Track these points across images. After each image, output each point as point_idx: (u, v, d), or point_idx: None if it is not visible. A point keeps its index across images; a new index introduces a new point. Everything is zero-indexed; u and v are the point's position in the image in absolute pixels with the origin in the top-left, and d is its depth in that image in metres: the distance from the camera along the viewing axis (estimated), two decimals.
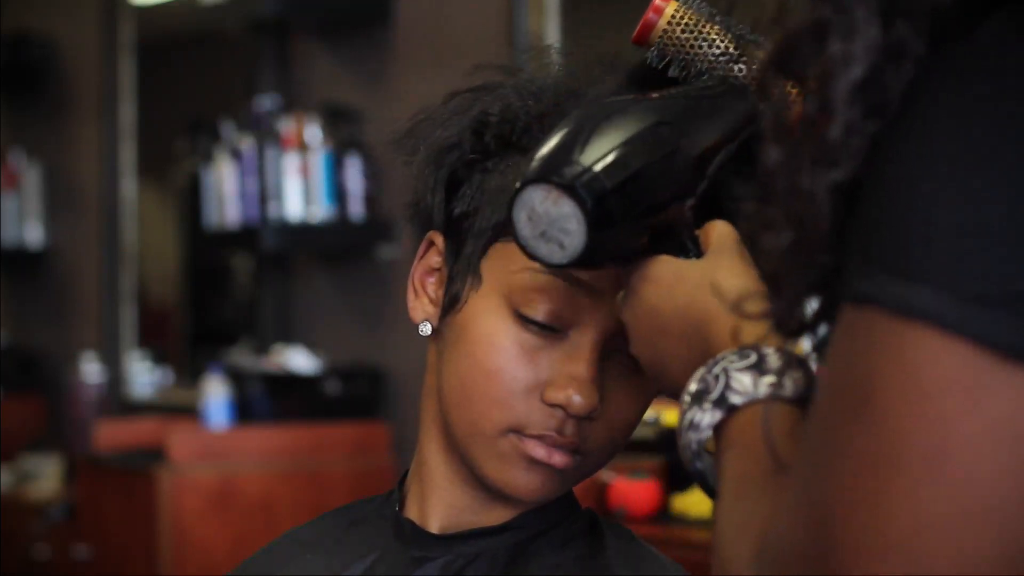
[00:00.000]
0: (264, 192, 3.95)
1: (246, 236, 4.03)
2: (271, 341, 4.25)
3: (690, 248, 0.93)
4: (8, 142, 5.49)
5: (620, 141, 0.90)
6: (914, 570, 0.64)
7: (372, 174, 3.93)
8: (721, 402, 0.82)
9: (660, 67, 1.02)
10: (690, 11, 1.02)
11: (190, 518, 3.56)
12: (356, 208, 3.93)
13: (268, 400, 3.91)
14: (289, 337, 4.25)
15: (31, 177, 5.35)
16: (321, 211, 3.93)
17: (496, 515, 1.10)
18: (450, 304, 1.09)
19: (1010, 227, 0.64)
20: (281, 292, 4.36)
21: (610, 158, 0.89)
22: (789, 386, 0.82)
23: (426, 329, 1.11)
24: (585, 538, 1.11)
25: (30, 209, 5.35)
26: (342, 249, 4.07)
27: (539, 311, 1.04)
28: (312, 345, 4.13)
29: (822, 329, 0.76)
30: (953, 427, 0.64)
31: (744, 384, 0.82)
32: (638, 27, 1.02)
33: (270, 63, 4.34)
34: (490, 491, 1.08)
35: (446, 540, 1.10)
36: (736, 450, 0.81)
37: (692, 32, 1.02)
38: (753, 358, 0.83)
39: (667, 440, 2.74)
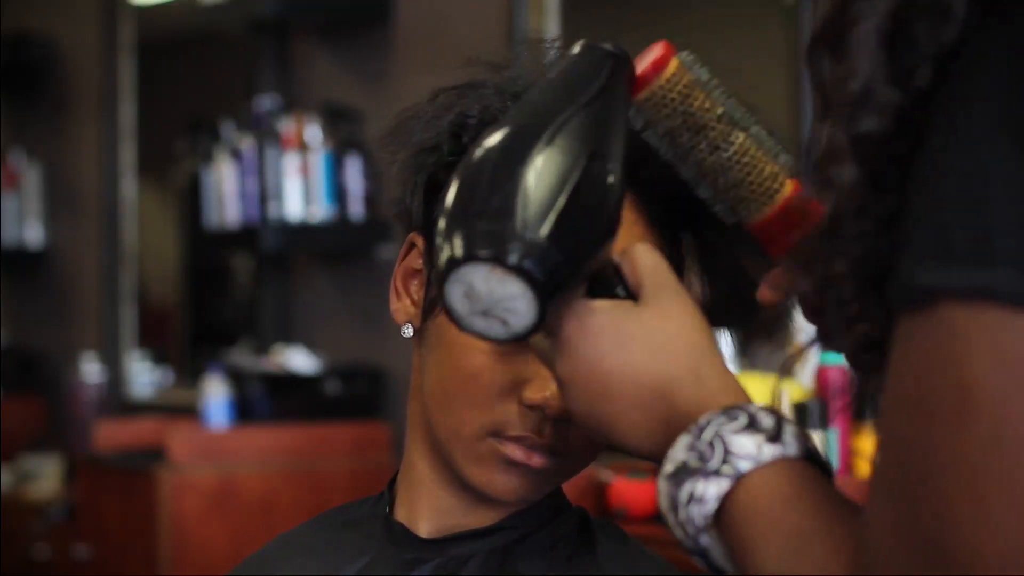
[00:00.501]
0: (264, 192, 3.95)
1: (246, 236, 4.03)
2: (271, 341, 4.25)
3: (617, 286, 0.85)
4: (8, 142, 5.48)
5: (560, 197, 0.79)
6: None
7: (372, 174, 3.93)
8: (725, 470, 0.77)
9: (640, 131, 0.92)
10: (687, 73, 0.92)
11: (190, 518, 3.56)
12: (356, 208, 3.93)
13: (268, 400, 3.91)
14: (289, 337, 4.25)
15: (31, 177, 5.35)
16: (321, 211, 3.93)
17: (484, 516, 1.10)
18: (430, 306, 1.09)
19: None
20: (281, 292, 4.36)
21: (555, 222, 0.78)
22: (792, 444, 0.78)
23: (408, 331, 1.11)
24: (575, 538, 1.10)
25: (30, 209, 5.35)
26: (342, 249, 4.07)
27: None
28: (312, 345, 4.13)
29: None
30: None
31: (745, 447, 0.77)
32: (639, 72, 0.91)
33: (270, 63, 4.34)
34: (477, 494, 1.08)
35: (436, 543, 1.10)
36: (763, 515, 0.76)
37: (683, 99, 0.92)
38: (744, 419, 0.78)
39: None
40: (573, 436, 1.05)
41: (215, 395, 3.90)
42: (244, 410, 3.91)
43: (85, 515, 4.01)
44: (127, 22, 5.02)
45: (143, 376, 4.92)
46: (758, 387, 1.24)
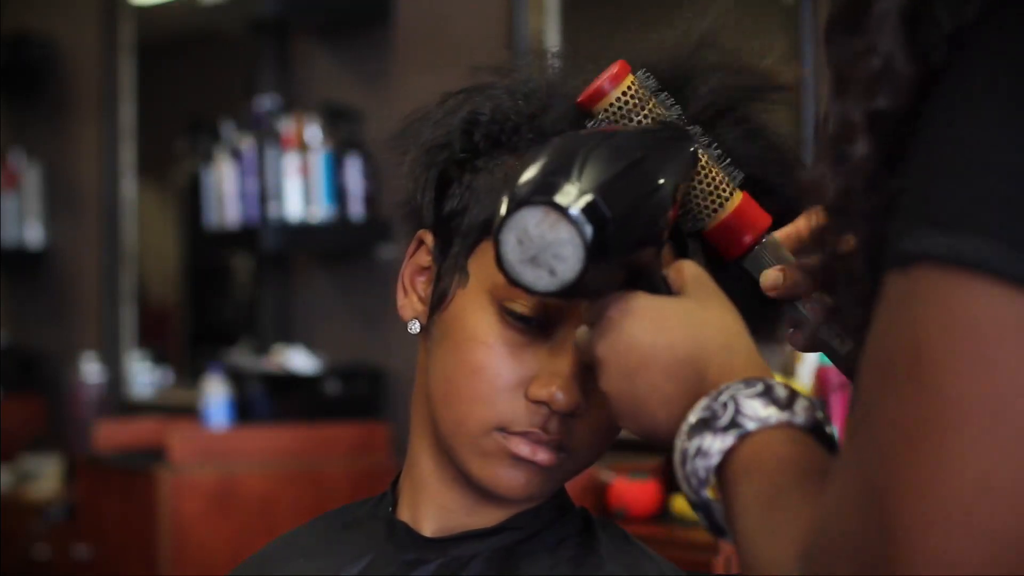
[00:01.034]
0: (264, 192, 3.95)
1: (246, 236, 4.03)
2: (271, 341, 4.25)
3: (661, 288, 0.91)
4: (8, 142, 5.48)
5: (617, 169, 0.87)
6: (979, 537, 0.61)
7: (372, 174, 3.93)
8: (732, 427, 0.81)
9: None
10: (641, 87, 1.03)
11: (190, 518, 3.56)
12: (356, 208, 3.93)
13: (268, 400, 3.91)
14: (289, 337, 4.25)
15: (31, 177, 5.35)
16: (321, 211, 3.93)
17: (488, 516, 1.10)
18: (437, 302, 1.09)
19: None
20: (281, 292, 4.36)
21: (609, 185, 0.86)
22: (800, 413, 0.81)
23: (414, 327, 1.12)
24: (578, 538, 1.11)
25: (30, 209, 5.35)
26: (342, 249, 4.07)
27: (524, 305, 1.04)
28: (312, 345, 4.13)
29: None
30: (1010, 378, 0.61)
31: (755, 409, 0.81)
32: (588, 91, 1.02)
33: (270, 63, 4.34)
34: (480, 491, 1.08)
35: (440, 543, 1.10)
36: (756, 472, 0.79)
37: (638, 107, 1.02)
38: (760, 387, 0.82)
39: None
40: (578, 433, 1.05)
41: (215, 395, 3.90)
42: (244, 410, 3.91)
43: (85, 515, 4.01)
44: (127, 22, 5.02)
45: (143, 376, 4.92)
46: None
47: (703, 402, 0.83)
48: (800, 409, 0.81)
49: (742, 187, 1.04)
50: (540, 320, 1.04)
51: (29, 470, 4.76)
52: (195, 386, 4.20)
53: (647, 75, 1.04)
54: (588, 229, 0.84)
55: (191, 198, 4.46)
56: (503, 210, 0.85)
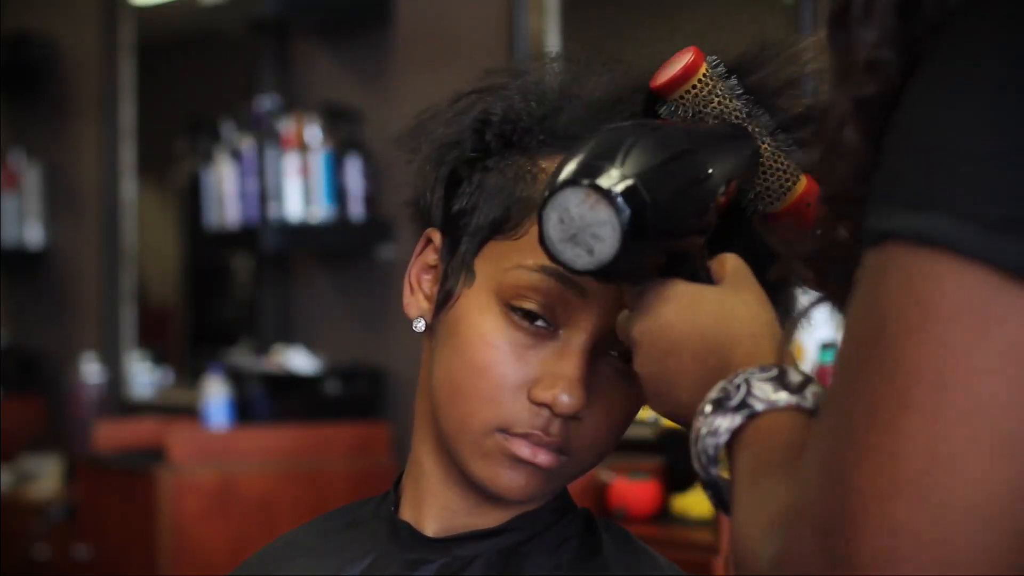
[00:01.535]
0: (264, 192, 3.95)
1: (246, 236, 4.03)
2: (271, 341, 4.25)
3: (702, 277, 0.94)
4: (8, 142, 5.49)
5: (661, 159, 0.90)
6: (931, 509, 0.63)
7: (372, 174, 3.93)
8: (741, 407, 0.83)
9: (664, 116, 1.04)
10: (714, 74, 1.04)
11: (190, 518, 3.56)
12: (356, 208, 3.93)
13: (268, 400, 3.91)
14: (289, 337, 4.25)
15: (31, 177, 5.35)
16: (321, 211, 3.93)
17: (491, 517, 1.10)
18: (443, 301, 1.09)
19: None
20: (281, 292, 4.36)
21: (651, 173, 0.88)
22: (810, 398, 0.83)
23: (420, 325, 1.12)
24: (581, 539, 1.10)
25: (30, 209, 5.35)
26: (342, 249, 4.07)
27: (532, 301, 1.04)
28: (312, 345, 4.13)
29: None
30: (961, 355, 0.63)
31: (765, 392, 0.83)
32: (668, 77, 1.02)
33: (270, 63, 4.34)
34: (482, 492, 1.08)
35: (442, 543, 1.10)
36: (753, 449, 0.82)
37: (711, 93, 1.03)
38: (774, 372, 0.84)
39: (667, 440, 2.74)
40: (580, 436, 1.05)
41: (215, 395, 3.90)
42: (244, 410, 3.91)
43: (85, 515, 4.01)
44: (127, 22, 5.02)
45: (143, 376, 4.92)
46: None
47: (720, 384, 0.85)
48: (811, 395, 0.83)
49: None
50: (546, 319, 1.04)
51: (29, 470, 4.76)
52: (195, 386, 4.20)
53: (717, 62, 1.05)
54: (626, 212, 0.86)
55: (191, 198, 4.46)
56: (548, 190, 0.89)
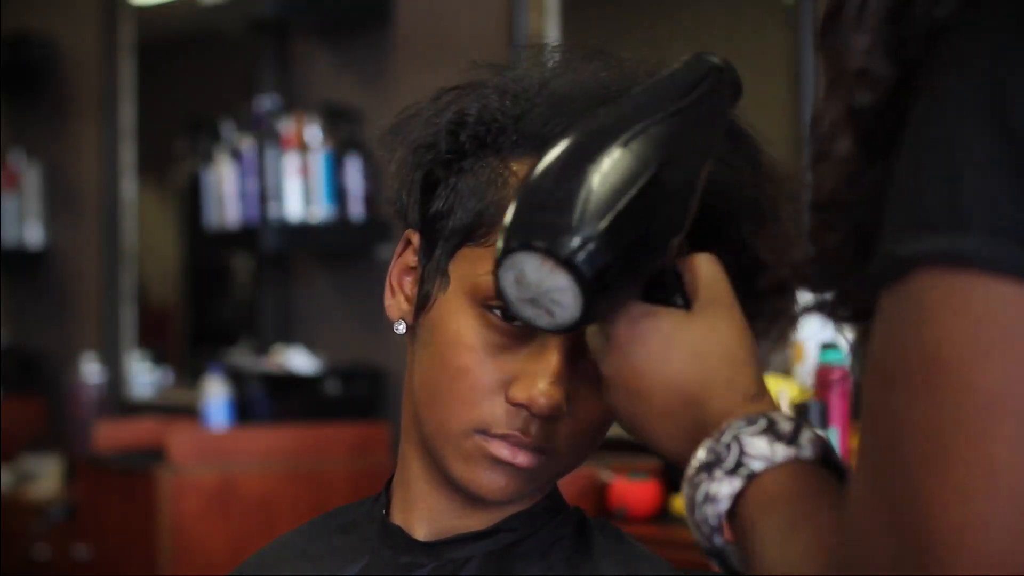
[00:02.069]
0: (264, 192, 3.95)
1: (246, 236, 4.03)
2: (271, 341, 4.25)
3: (677, 291, 0.88)
4: (8, 142, 5.48)
5: (626, 201, 0.82)
6: (1022, 537, 0.61)
7: (372, 174, 3.93)
8: (739, 469, 0.79)
9: None
10: None
11: (190, 518, 3.56)
12: (356, 208, 3.93)
13: (268, 400, 3.91)
14: (289, 337, 4.25)
15: (31, 177, 5.35)
16: (321, 211, 3.93)
17: (478, 518, 1.09)
18: (422, 303, 1.09)
19: None
20: (281, 292, 4.36)
21: (612, 222, 0.81)
22: (807, 446, 0.80)
23: (400, 328, 1.12)
24: (573, 539, 1.10)
25: (30, 209, 5.35)
26: (342, 249, 4.07)
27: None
28: (312, 345, 4.13)
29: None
30: (1018, 375, 0.61)
31: (760, 448, 0.79)
32: None
33: (270, 63, 4.34)
34: (467, 494, 1.08)
35: (433, 546, 1.09)
36: (771, 510, 0.77)
37: None
38: (763, 423, 0.81)
39: None
40: (561, 436, 1.04)
41: (215, 395, 3.90)
42: (244, 410, 3.91)
43: (85, 515, 4.01)
44: (127, 22, 5.02)
45: (143, 376, 4.92)
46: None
47: (707, 444, 0.81)
48: (806, 442, 0.80)
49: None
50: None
51: (29, 470, 4.76)
52: (195, 386, 4.20)
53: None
54: (588, 276, 0.81)
55: (191, 198, 4.46)
56: (500, 247, 0.83)
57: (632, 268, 0.84)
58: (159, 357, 4.95)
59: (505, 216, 0.84)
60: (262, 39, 4.34)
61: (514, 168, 1.05)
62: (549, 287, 0.82)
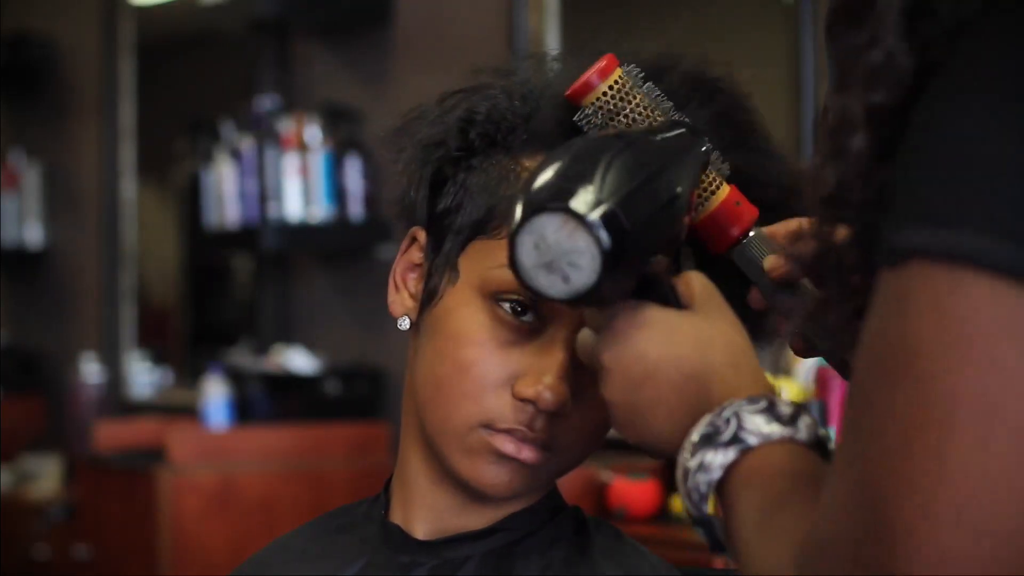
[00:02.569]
0: (264, 192, 3.95)
1: (246, 236, 4.03)
2: (271, 341, 4.25)
3: (671, 299, 0.91)
4: (8, 142, 5.49)
5: (639, 180, 0.86)
6: (980, 535, 0.61)
7: (372, 174, 3.93)
8: (734, 442, 0.81)
9: (585, 127, 1.03)
10: (629, 80, 1.03)
11: (190, 518, 3.56)
12: (356, 208, 3.93)
13: (268, 400, 3.91)
14: (289, 337, 4.25)
15: (31, 177, 5.35)
16: (321, 211, 3.93)
17: (478, 517, 1.10)
18: (428, 299, 1.10)
19: None
20: (281, 292, 4.36)
21: (629, 197, 0.85)
22: (803, 430, 0.82)
23: (404, 324, 1.12)
24: (571, 538, 1.10)
25: (30, 209, 5.35)
26: (342, 249, 4.07)
27: (518, 293, 1.04)
28: (312, 345, 4.13)
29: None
30: (1007, 374, 0.61)
31: (757, 425, 0.81)
32: (576, 84, 1.03)
33: (270, 63, 4.34)
34: (468, 491, 1.08)
35: (432, 545, 1.09)
36: (756, 483, 0.79)
37: (626, 99, 1.02)
38: (764, 403, 0.82)
39: None
40: (565, 432, 1.05)
41: (215, 395, 3.90)
42: (244, 410, 3.91)
43: (85, 515, 4.01)
44: (127, 22, 5.02)
45: (143, 376, 4.92)
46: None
47: (706, 419, 0.83)
48: (803, 426, 0.82)
49: (728, 180, 1.04)
50: (532, 310, 1.04)
51: (29, 470, 4.76)
52: (195, 386, 4.20)
53: (634, 68, 1.04)
54: (606, 239, 0.83)
55: (191, 198, 4.46)
56: (519, 213, 0.85)
57: (641, 247, 0.87)
58: (159, 357, 4.96)
59: (522, 188, 0.87)
60: (262, 39, 4.34)
61: (526, 164, 1.06)
62: (568, 248, 0.84)
